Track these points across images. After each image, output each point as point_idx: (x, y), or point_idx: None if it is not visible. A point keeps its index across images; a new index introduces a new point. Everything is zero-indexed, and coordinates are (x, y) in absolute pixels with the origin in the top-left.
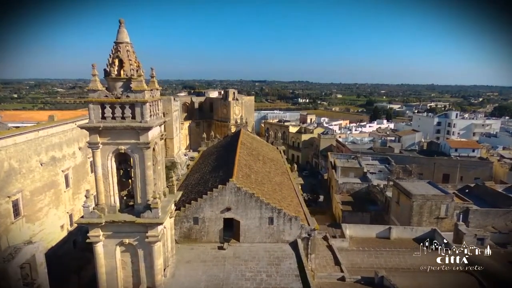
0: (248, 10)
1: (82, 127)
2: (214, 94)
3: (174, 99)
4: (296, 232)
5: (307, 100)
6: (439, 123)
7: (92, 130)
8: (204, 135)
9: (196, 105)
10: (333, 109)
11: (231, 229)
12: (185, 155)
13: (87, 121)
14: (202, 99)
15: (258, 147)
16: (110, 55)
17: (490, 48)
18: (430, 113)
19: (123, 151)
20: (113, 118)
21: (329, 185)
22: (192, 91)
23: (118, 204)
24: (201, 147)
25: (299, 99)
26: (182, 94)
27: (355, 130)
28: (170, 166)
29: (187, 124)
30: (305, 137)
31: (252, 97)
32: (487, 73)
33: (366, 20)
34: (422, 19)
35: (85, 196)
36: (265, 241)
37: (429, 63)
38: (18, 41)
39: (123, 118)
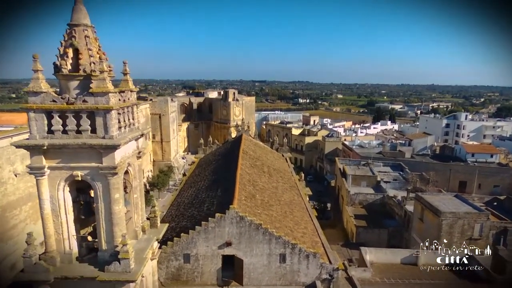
0: (248, 10)
1: (18, 146)
2: (213, 94)
3: (172, 99)
4: (314, 272)
5: (308, 101)
6: (447, 125)
7: (33, 149)
8: (202, 141)
9: (195, 106)
10: (334, 109)
11: (231, 268)
12: (183, 158)
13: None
14: (201, 99)
15: (262, 155)
16: (61, 43)
17: (490, 48)
18: (437, 114)
19: (80, 179)
20: (65, 132)
21: (338, 194)
22: (191, 91)
23: (76, 249)
24: (198, 154)
25: (300, 99)
26: (181, 94)
27: (360, 132)
28: (167, 171)
29: (185, 125)
30: (308, 139)
31: (253, 98)
32: (488, 74)
33: (366, 20)
34: (423, 20)
35: (26, 242)
36: (275, 283)
37: (429, 64)
38: (18, 40)
39: (78, 132)
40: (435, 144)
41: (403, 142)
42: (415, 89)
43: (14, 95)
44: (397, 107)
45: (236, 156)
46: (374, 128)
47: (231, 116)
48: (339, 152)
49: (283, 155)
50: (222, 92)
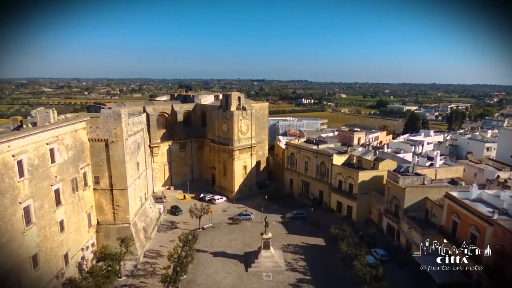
0: (246, 9)
1: None
2: (208, 99)
3: (141, 112)
4: None
5: (312, 101)
6: None
7: None
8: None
9: (180, 117)
10: (342, 111)
11: None
12: (160, 198)
13: None
14: (189, 107)
15: None
16: None
17: (491, 47)
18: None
19: None
20: None
21: None
22: (176, 95)
23: None
24: None
25: (303, 99)
26: (163, 98)
27: (417, 152)
28: (113, 255)
29: (165, 147)
30: (363, 176)
31: (266, 104)
32: (490, 72)
33: (365, 19)
34: (422, 18)
35: None
36: None
37: (429, 62)
38: (11, 40)
39: None
40: None
41: None
42: (418, 88)
43: None
44: (412, 108)
45: None
46: (428, 143)
47: (235, 133)
48: (433, 207)
49: None
50: (221, 97)
